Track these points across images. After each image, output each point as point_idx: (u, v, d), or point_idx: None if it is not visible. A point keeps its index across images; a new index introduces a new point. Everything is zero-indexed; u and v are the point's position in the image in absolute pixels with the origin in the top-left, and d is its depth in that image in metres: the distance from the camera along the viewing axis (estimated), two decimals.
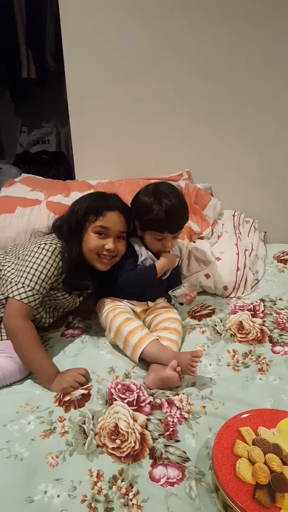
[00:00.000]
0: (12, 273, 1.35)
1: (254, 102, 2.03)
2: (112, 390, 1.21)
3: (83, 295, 1.54)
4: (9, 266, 1.39)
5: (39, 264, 1.32)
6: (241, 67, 1.96)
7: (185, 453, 1.04)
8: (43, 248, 1.35)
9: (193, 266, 1.79)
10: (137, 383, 1.25)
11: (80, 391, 1.20)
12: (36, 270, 1.31)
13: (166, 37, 1.92)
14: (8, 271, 1.37)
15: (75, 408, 1.15)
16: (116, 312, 1.43)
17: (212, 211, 2.10)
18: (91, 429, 1.08)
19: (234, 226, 2.10)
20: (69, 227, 1.42)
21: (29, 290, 1.30)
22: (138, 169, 2.02)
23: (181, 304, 1.54)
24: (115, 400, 1.18)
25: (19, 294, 1.29)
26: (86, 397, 1.19)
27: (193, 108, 2.06)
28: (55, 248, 1.36)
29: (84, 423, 1.10)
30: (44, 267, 1.32)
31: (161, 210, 1.40)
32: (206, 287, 1.79)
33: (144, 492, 0.94)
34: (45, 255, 1.33)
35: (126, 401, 1.17)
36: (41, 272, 1.31)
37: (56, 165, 3.48)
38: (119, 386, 1.23)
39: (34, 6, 3.03)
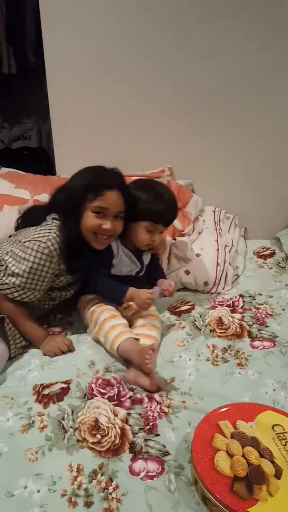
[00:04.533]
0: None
1: (234, 100, 2.04)
2: (93, 386, 1.20)
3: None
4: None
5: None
6: (223, 65, 1.97)
7: (164, 447, 1.04)
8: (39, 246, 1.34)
9: (173, 264, 1.80)
10: (117, 377, 1.25)
11: (59, 385, 1.20)
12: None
13: (148, 33, 1.92)
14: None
15: (53, 403, 1.14)
16: (102, 308, 1.43)
17: (193, 208, 2.11)
18: (70, 426, 1.08)
19: (215, 222, 2.12)
20: (67, 204, 1.40)
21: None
22: (119, 166, 2.00)
23: (164, 296, 1.54)
24: (95, 396, 1.17)
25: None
26: (65, 391, 1.18)
27: (175, 105, 2.07)
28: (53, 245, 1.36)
29: (63, 419, 1.10)
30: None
31: (162, 201, 1.46)
32: (187, 284, 1.80)
33: (124, 486, 0.94)
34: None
35: (106, 396, 1.17)
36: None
37: (38, 161, 3.45)
38: (100, 381, 1.22)
39: (14, 1, 3.00)
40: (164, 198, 1.47)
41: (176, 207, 1.53)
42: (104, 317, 1.40)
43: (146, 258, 1.60)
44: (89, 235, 1.40)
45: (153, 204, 1.45)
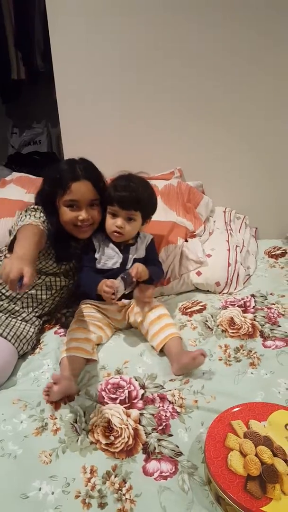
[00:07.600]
0: None
1: (243, 100, 2.03)
2: (103, 393, 1.20)
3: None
4: None
5: None
6: (234, 66, 1.96)
7: (177, 447, 1.05)
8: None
9: (185, 266, 1.80)
10: (126, 378, 1.26)
11: None
12: None
13: (158, 35, 1.92)
14: None
15: (65, 404, 1.16)
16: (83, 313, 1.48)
17: (204, 209, 2.11)
18: (83, 429, 1.09)
19: (225, 223, 2.11)
20: (43, 202, 1.48)
21: None
22: (129, 168, 2.02)
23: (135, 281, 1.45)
24: (107, 403, 1.17)
25: None
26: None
27: (183, 106, 2.07)
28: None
29: (75, 421, 1.11)
30: None
31: (112, 187, 1.46)
32: (199, 284, 1.80)
33: (137, 487, 0.95)
34: None
35: (118, 401, 1.18)
36: None
37: (48, 165, 3.47)
38: (109, 386, 1.23)
39: (22, 7, 3.03)
40: (117, 181, 1.48)
41: (131, 189, 1.44)
42: (74, 326, 1.44)
43: (134, 251, 1.55)
44: (70, 227, 1.46)
45: (108, 189, 1.47)
